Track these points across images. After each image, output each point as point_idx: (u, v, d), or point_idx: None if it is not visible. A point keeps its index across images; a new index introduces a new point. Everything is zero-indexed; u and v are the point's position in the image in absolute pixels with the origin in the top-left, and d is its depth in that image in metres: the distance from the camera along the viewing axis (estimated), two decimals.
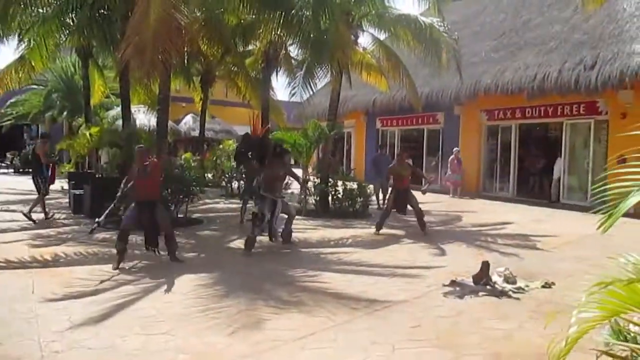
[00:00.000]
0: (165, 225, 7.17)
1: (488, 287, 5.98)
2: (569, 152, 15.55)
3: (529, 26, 17.54)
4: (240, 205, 11.17)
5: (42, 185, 10.85)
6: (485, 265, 6.17)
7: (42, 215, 10.77)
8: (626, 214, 8.56)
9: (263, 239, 8.66)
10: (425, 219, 9.90)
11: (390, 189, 10.40)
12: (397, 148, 21.39)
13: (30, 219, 10.26)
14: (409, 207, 9.80)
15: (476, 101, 17.20)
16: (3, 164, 26.77)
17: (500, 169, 17.88)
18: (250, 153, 9.15)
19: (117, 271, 6.60)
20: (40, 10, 11.68)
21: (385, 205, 10.23)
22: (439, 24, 11.63)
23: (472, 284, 6.09)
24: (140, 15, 8.30)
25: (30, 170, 12.81)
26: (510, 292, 5.84)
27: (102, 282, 6.08)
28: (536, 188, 16.99)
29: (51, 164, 11.20)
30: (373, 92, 20.49)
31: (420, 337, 4.48)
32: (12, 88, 15.25)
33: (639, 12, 13.91)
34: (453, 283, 6.15)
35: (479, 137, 18.23)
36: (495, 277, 6.21)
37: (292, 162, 14.02)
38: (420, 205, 9.74)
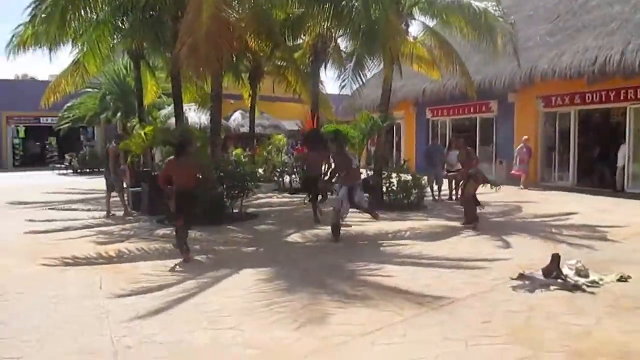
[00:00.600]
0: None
1: (559, 280, 5.70)
2: (633, 139, 14.78)
3: (587, 8, 16.76)
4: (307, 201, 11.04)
5: (115, 183, 11.40)
6: (556, 258, 5.88)
7: (120, 212, 11.40)
8: None
9: (319, 232, 8.63)
10: (484, 210, 9.59)
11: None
12: (448, 138, 20.96)
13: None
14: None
15: (532, 87, 16.61)
16: (62, 165, 27.81)
17: (559, 157, 17.19)
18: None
19: (178, 267, 6.68)
20: (94, 16, 11.98)
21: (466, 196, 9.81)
22: (494, 8, 11.21)
23: (542, 277, 5.81)
24: (193, 14, 8.38)
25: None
26: (584, 286, 5.54)
27: (165, 276, 6.17)
28: (598, 177, 16.23)
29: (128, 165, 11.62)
30: (422, 81, 20.15)
31: (494, 333, 4.30)
32: (69, 92, 15.82)
33: None
34: (522, 276, 5.90)
35: (535, 124, 17.59)
36: (566, 270, 5.91)
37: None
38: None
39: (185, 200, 7.06)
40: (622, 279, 5.83)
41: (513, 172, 16.49)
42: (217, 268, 6.55)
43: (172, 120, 14.59)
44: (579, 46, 15.17)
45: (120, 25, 12.42)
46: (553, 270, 5.83)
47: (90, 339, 4.33)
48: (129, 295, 5.45)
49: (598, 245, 7.74)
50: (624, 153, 14.78)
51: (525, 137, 16.40)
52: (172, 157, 7.48)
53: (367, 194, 9.41)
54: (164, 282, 5.91)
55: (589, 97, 15.62)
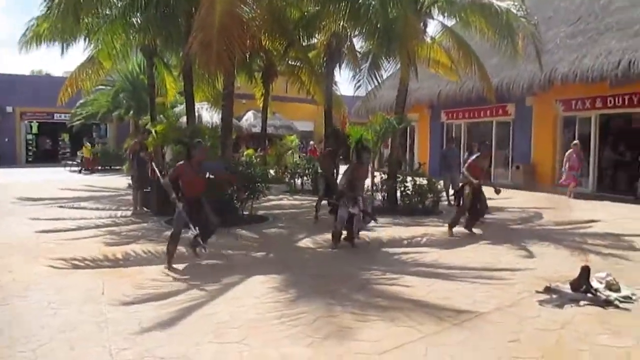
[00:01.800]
0: (216, 219, 7.02)
1: (589, 295, 5.34)
2: None
3: (609, 10, 16.31)
4: (315, 203, 10.80)
5: (133, 180, 11.69)
6: (585, 270, 5.52)
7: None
8: None
9: (331, 237, 8.30)
10: (503, 215, 9.21)
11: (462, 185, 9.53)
12: (463, 142, 20.58)
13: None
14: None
15: (551, 91, 16.19)
16: (74, 162, 27.77)
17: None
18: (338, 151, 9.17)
19: (188, 271, 6.41)
20: (107, 12, 11.81)
21: (461, 203, 9.38)
22: (517, 8, 10.83)
23: (570, 291, 5.46)
24: (207, 10, 8.13)
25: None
26: (617, 302, 5.18)
27: (172, 282, 5.90)
28: (620, 183, 15.74)
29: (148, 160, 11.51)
30: (437, 84, 19.80)
31: (523, 355, 3.96)
32: (86, 89, 15.76)
33: None
34: (548, 290, 5.54)
35: (553, 129, 17.15)
36: (595, 284, 5.55)
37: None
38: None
39: (191, 209, 6.78)
40: None
41: (561, 181, 14.86)
42: (226, 274, 6.26)
43: (184, 119, 14.37)
44: (601, 49, 14.74)
45: (134, 21, 12.26)
46: (582, 283, 5.47)
47: (87, 350, 4.06)
48: (133, 302, 5.17)
49: (626, 256, 7.36)
50: None
51: (576, 141, 14.96)
52: (182, 161, 7.06)
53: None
54: (170, 289, 5.64)
55: (610, 101, 15.17)
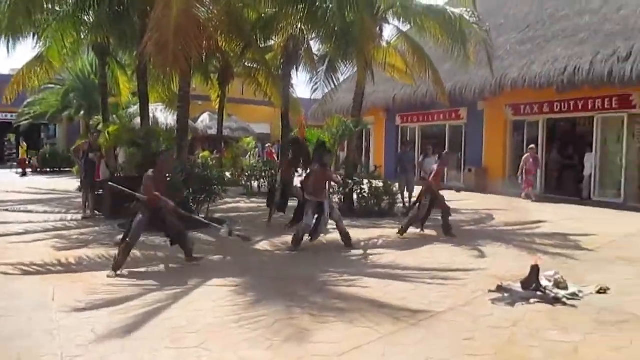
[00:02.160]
0: (178, 224, 6.87)
1: (539, 293, 5.54)
2: (600, 148, 15.00)
3: (556, 18, 17.01)
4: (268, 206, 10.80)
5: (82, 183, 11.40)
6: (535, 269, 5.72)
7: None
8: None
9: (289, 239, 8.30)
10: (456, 217, 9.46)
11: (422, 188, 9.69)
12: (417, 145, 20.96)
13: None
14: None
15: (501, 96, 16.71)
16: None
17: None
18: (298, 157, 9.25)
19: (142, 275, 6.27)
20: (58, 8, 11.44)
21: (418, 206, 9.45)
22: (470, 15, 11.14)
23: (520, 289, 5.65)
24: (162, 10, 8.00)
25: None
26: (565, 299, 5.39)
27: (126, 287, 5.76)
28: (566, 185, 16.39)
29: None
30: (393, 88, 20.11)
31: (478, 352, 4.07)
32: (32, 88, 15.17)
33: None
34: (500, 288, 5.72)
35: (504, 133, 17.72)
36: (544, 282, 5.76)
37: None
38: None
39: (155, 217, 6.69)
40: (602, 290, 5.72)
41: (523, 186, 15.17)
42: (183, 279, 6.16)
43: (138, 120, 14.07)
44: (548, 56, 15.33)
45: (86, 19, 11.92)
46: (532, 282, 5.67)
47: (38, 358, 3.92)
48: (85, 309, 5.02)
49: (572, 255, 7.68)
50: (590, 162, 14.97)
51: (532, 145, 15.29)
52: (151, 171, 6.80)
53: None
54: (124, 295, 5.50)
55: (557, 106, 15.80)
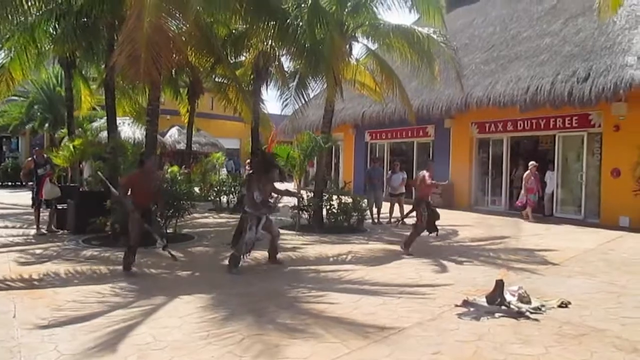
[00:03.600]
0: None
1: (503, 307, 5.67)
2: (561, 165, 15.47)
3: (519, 39, 17.53)
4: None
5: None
6: (499, 284, 5.86)
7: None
8: (623, 228, 8.39)
9: (258, 255, 8.27)
10: (424, 233, 9.55)
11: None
12: (386, 161, 21.22)
13: None
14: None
15: (467, 114, 17.07)
16: None
17: (492, 182, 17.74)
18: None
19: (108, 292, 6.16)
20: (21, 18, 11.23)
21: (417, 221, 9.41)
22: (438, 34, 11.42)
23: (486, 304, 5.78)
24: (134, 22, 7.94)
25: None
26: (528, 313, 5.53)
27: (91, 304, 5.65)
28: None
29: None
30: (362, 105, 20.37)
31: None
32: None
33: (629, 25, 13.90)
34: (466, 303, 5.84)
35: (470, 150, 18.09)
36: (509, 297, 5.89)
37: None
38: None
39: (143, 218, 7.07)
40: (563, 304, 5.89)
41: (518, 202, 14.75)
42: (150, 295, 6.08)
43: (105, 133, 13.87)
44: (512, 75, 15.76)
45: (52, 31, 11.72)
46: (497, 296, 5.80)
47: None
48: (48, 326, 4.91)
49: (536, 270, 7.87)
50: (552, 180, 15.39)
51: (533, 162, 14.52)
52: (136, 170, 7.51)
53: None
54: (89, 311, 5.40)
55: (520, 124, 16.25)
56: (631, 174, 13.05)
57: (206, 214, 14.58)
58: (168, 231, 10.16)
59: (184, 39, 10.81)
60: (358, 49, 13.59)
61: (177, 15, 8.97)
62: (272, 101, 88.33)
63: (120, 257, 7.85)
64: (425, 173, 9.38)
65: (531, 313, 5.55)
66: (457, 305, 5.81)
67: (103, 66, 12.19)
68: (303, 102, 13.16)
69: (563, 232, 12.36)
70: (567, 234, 12.15)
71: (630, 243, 10.80)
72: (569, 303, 5.93)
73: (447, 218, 14.52)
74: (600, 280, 7.27)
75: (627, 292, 6.63)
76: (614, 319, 5.44)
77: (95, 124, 21.38)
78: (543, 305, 5.82)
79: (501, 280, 5.89)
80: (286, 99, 13.11)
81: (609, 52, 13.61)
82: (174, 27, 9.48)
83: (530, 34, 17.22)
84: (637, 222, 12.79)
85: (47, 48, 12.31)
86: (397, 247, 9.59)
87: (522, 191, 14.51)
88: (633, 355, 4.42)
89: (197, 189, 18.14)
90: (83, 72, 16.76)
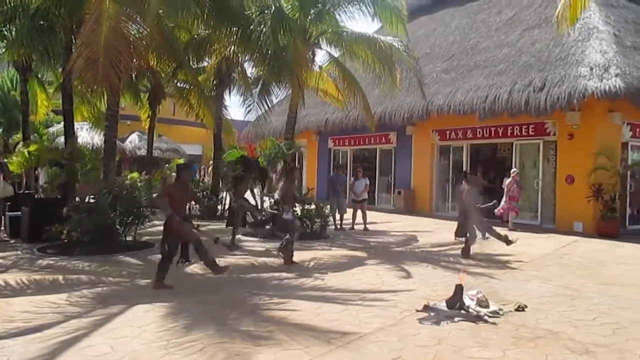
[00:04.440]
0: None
1: (463, 311, 5.78)
2: (519, 172, 15.86)
3: (478, 49, 17.96)
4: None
5: None
6: (459, 289, 5.98)
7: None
8: (577, 233, 8.67)
9: (219, 262, 8.17)
10: (386, 239, 9.69)
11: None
12: (349, 168, 21.35)
13: None
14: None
15: (428, 121, 17.35)
16: None
17: (452, 188, 18.04)
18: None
19: (64, 302, 5.98)
20: None
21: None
22: (400, 42, 11.61)
23: (446, 308, 5.88)
24: (92, 25, 7.80)
25: None
26: (486, 317, 5.66)
27: (45, 314, 5.48)
28: (487, 208, 17.12)
29: None
30: (325, 111, 20.46)
31: None
32: None
33: (582, 37, 14.43)
34: (426, 308, 5.92)
35: (431, 157, 18.39)
36: (468, 301, 6.02)
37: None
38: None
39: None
40: (520, 308, 6.04)
41: (499, 209, 13.84)
42: (108, 304, 5.94)
43: (62, 139, 13.51)
44: (471, 84, 16.13)
45: (6, 33, 11.39)
46: (456, 301, 5.91)
47: None
48: (0, 337, 4.73)
49: (493, 274, 8.05)
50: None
51: (515, 169, 14.44)
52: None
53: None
54: (43, 322, 5.23)
55: (479, 132, 16.63)
56: (585, 180, 13.51)
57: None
58: (127, 239, 9.97)
59: (144, 43, 10.64)
60: (321, 56, 13.73)
61: (138, 19, 8.83)
62: (235, 107, 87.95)
63: (77, 265, 7.68)
64: (465, 187, 10.13)
65: (489, 317, 5.68)
66: (418, 310, 5.88)
67: (60, 70, 11.91)
68: (266, 108, 13.20)
69: (520, 238, 12.62)
70: (524, 239, 12.39)
71: (584, 248, 11.18)
72: (526, 307, 6.09)
73: (408, 224, 14.78)
74: (555, 284, 7.50)
75: (580, 295, 6.86)
76: (568, 321, 5.62)
77: (51, 129, 20.76)
78: (501, 309, 5.96)
79: (460, 285, 6.01)
80: (249, 105, 13.12)
81: (563, 63, 14.10)
82: (135, 31, 9.33)
83: (489, 44, 17.67)
84: (590, 228, 13.26)
85: (1, 52, 11.97)
86: (360, 253, 9.67)
87: (503, 200, 14.05)
88: (585, 357, 4.57)
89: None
90: (39, 76, 16.32)
